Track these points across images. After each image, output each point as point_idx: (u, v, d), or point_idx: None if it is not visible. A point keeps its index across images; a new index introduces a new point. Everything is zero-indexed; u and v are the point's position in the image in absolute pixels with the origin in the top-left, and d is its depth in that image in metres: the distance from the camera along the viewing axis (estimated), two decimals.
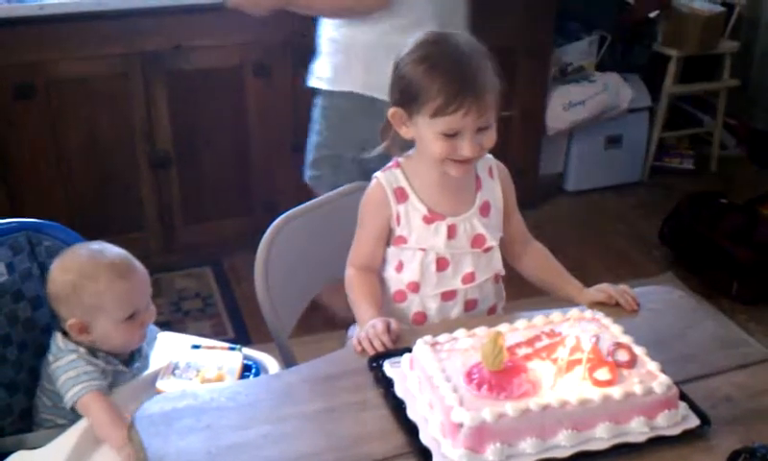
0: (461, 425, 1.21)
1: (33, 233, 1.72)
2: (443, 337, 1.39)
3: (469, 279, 1.67)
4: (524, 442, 1.23)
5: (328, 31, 2.41)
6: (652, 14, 4.02)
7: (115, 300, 1.61)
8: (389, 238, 1.67)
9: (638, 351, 1.37)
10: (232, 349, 1.72)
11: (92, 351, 1.64)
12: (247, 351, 1.73)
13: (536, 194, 3.83)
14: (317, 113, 2.52)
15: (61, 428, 1.58)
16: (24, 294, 1.69)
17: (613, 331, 1.42)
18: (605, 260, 3.51)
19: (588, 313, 1.49)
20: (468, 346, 1.37)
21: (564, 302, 1.69)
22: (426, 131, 1.55)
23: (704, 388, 1.40)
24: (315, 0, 2.41)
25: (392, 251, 1.68)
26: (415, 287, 1.67)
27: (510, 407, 1.22)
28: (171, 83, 3.06)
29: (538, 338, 1.39)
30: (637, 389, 1.28)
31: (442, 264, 1.66)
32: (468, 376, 1.30)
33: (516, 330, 1.42)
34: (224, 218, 3.35)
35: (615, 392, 1.27)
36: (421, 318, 1.69)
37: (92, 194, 3.11)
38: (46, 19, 2.82)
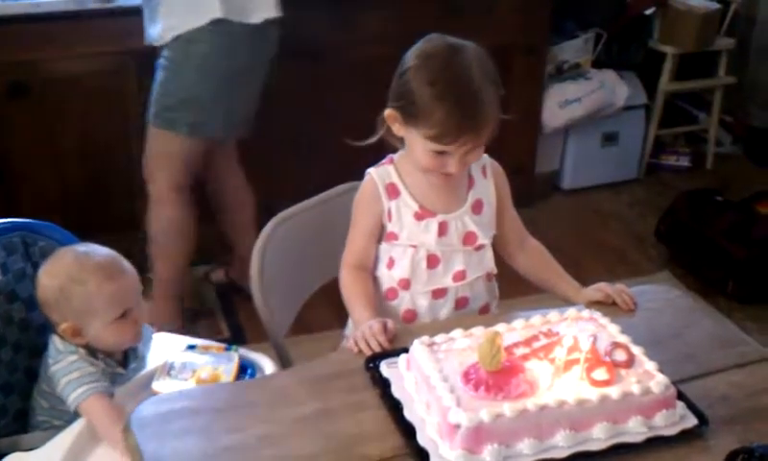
0: (458, 426, 1.20)
1: (27, 234, 1.71)
2: (440, 337, 1.39)
3: (460, 276, 1.67)
4: (522, 442, 1.23)
5: None
6: (648, 11, 4.02)
7: (105, 301, 1.60)
8: (380, 235, 1.68)
9: (636, 350, 1.36)
10: (228, 349, 1.72)
11: (92, 352, 1.63)
12: (243, 351, 1.73)
13: (532, 192, 3.83)
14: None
15: (57, 430, 1.57)
16: (18, 295, 1.68)
17: (611, 331, 1.42)
18: (601, 258, 3.51)
19: (586, 313, 1.48)
20: (465, 346, 1.36)
21: (561, 301, 1.69)
22: (417, 143, 1.56)
23: (701, 387, 1.40)
24: None
25: (383, 247, 1.68)
26: (405, 284, 1.67)
27: (507, 408, 1.22)
28: None
29: (535, 338, 1.39)
30: (635, 389, 1.27)
31: (432, 261, 1.66)
32: (466, 376, 1.29)
33: (514, 330, 1.41)
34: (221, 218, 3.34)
35: (613, 392, 1.26)
36: (412, 316, 1.69)
37: (87, 193, 3.10)
38: (41, 17, 2.81)
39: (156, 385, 1.62)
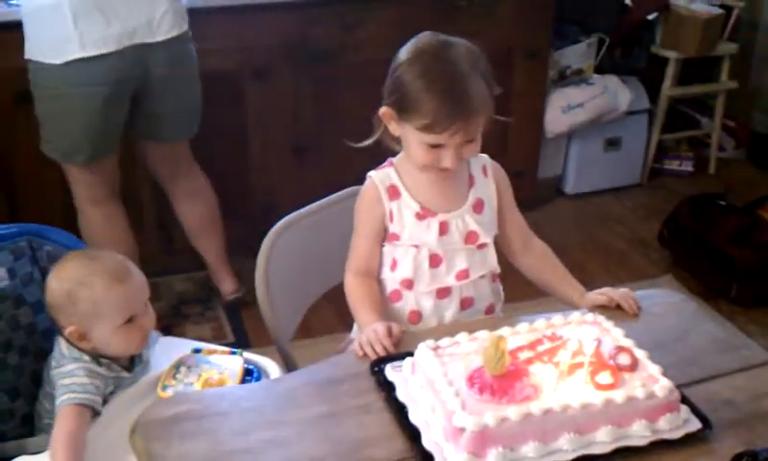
0: (463, 430, 1.21)
1: (34, 238, 1.72)
2: (444, 341, 1.39)
3: (463, 275, 1.68)
4: (526, 446, 1.23)
5: None
6: (650, 17, 4.02)
7: (111, 305, 1.61)
8: (383, 237, 1.69)
9: (640, 354, 1.37)
10: (233, 353, 1.72)
11: (96, 359, 1.63)
12: (248, 355, 1.73)
13: (535, 196, 3.83)
14: None
15: None
16: (25, 299, 1.69)
17: (615, 335, 1.43)
18: (604, 263, 3.51)
19: (590, 316, 1.49)
20: (469, 350, 1.37)
21: (565, 304, 1.70)
22: (412, 137, 1.58)
23: (705, 391, 1.41)
24: None
25: (386, 250, 1.70)
26: (409, 284, 1.68)
27: (512, 411, 1.22)
28: None
29: (539, 342, 1.40)
30: (639, 393, 1.28)
31: (435, 261, 1.67)
32: (470, 380, 1.30)
33: (518, 334, 1.42)
34: (223, 221, 3.34)
35: (617, 395, 1.27)
36: (417, 317, 1.70)
37: None
38: None
39: (161, 389, 1.62)
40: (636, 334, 1.43)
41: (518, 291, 1.88)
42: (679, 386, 1.32)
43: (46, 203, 3.00)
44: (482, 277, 1.71)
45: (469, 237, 1.68)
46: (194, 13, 3.00)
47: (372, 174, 1.70)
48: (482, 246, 1.69)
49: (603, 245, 3.70)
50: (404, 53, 1.59)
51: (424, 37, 1.61)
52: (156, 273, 3.22)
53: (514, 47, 3.56)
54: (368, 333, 1.50)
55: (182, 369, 1.66)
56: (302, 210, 1.88)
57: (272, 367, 1.71)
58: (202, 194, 2.96)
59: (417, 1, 3.24)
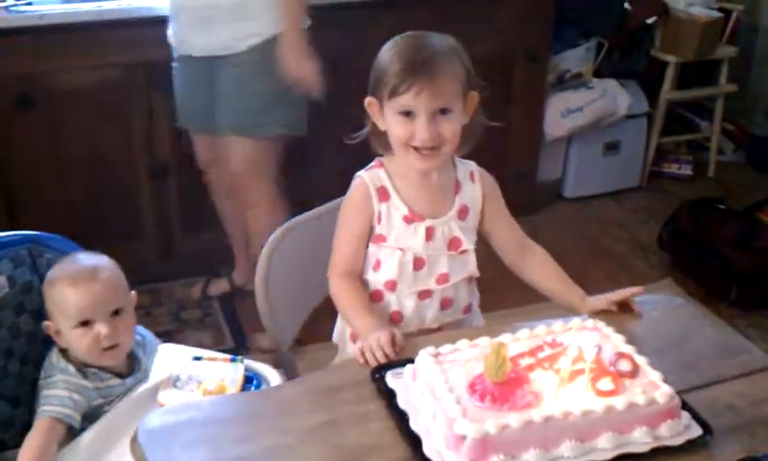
0: (464, 437, 1.21)
1: (34, 246, 1.72)
2: (445, 348, 1.39)
3: (444, 279, 1.70)
4: (527, 453, 1.23)
5: None
6: (649, 20, 4.03)
7: (66, 305, 1.62)
8: (369, 238, 1.69)
9: (640, 360, 1.37)
10: (234, 360, 1.72)
11: (81, 370, 1.63)
12: (248, 362, 1.73)
13: (534, 200, 3.84)
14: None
15: (64, 441, 1.58)
16: (26, 307, 1.69)
17: (615, 341, 1.42)
18: (603, 266, 3.51)
19: (590, 322, 1.49)
20: (470, 357, 1.37)
21: (566, 310, 1.70)
22: (389, 115, 1.61)
23: (705, 397, 1.40)
24: None
25: (370, 250, 1.70)
26: (392, 286, 1.69)
27: (513, 419, 1.22)
28: (171, 92, 3.06)
29: (540, 348, 1.39)
30: (640, 399, 1.28)
31: (418, 264, 1.68)
32: (471, 387, 1.30)
33: (519, 341, 1.42)
34: (223, 227, 3.34)
35: (618, 402, 1.27)
36: (398, 317, 1.71)
37: (91, 204, 3.10)
38: (46, 29, 2.82)
39: (161, 397, 1.62)
40: (636, 340, 1.43)
41: (518, 297, 1.88)
42: (679, 392, 1.32)
43: (46, 207, 3.00)
44: (461, 280, 1.72)
45: (452, 243, 1.69)
46: None
47: (361, 173, 1.70)
48: (463, 252, 1.71)
49: (602, 249, 3.71)
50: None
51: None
52: (155, 279, 3.24)
53: (513, 51, 3.56)
54: (370, 340, 1.50)
55: (183, 377, 1.66)
56: (303, 216, 1.88)
57: (271, 374, 1.71)
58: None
59: (417, 6, 3.23)
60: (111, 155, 3.08)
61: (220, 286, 3.25)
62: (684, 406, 1.33)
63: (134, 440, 1.32)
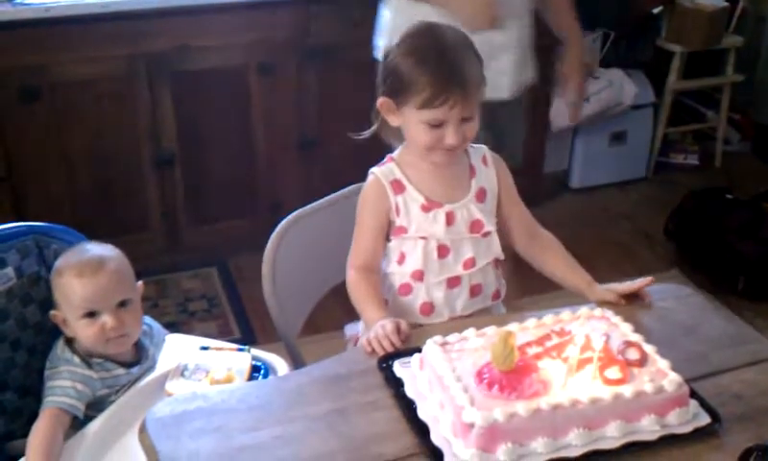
0: (472, 425, 1.21)
1: (41, 237, 1.72)
2: (453, 337, 1.39)
3: (470, 264, 1.69)
4: (535, 441, 1.23)
5: None
6: (655, 10, 4.01)
7: (72, 296, 1.62)
8: (388, 232, 1.69)
9: (648, 349, 1.37)
10: (241, 350, 1.72)
11: (87, 362, 1.64)
12: (255, 351, 1.73)
13: (540, 191, 3.83)
14: None
15: (72, 431, 1.58)
16: (33, 298, 1.69)
17: (623, 330, 1.43)
18: (610, 257, 3.51)
19: (598, 311, 1.49)
20: (478, 345, 1.37)
21: (573, 295, 1.70)
22: (413, 121, 1.60)
23: (714, 385, 1.40)
24: None
25: (393, 244, 1.70)
26: (419, 275, 1.68)
27: (521, 407, 1.22)
28: (176, 83, 3.06)
29: (548, 337, 1.40)
30: (648, 387, 1.28)
31: (443, 251, 1.68)
32: (479, 375, 1.30)
33: (527, 329, 1.42)
34: (229, 218, 3.35)
35: (626, 390, 1.27)
36: (429, 308, 1.70)
37: (97, 195, 3.11)
38: (51, 21, 2.82)
39: (169, 386, 1.62)
40: (644, 329, 1.43)
41: (535, 284, 1.87)
42: (688, 380, 1.32)
43: (52, 200, 3.01)
44: (487, 263, 1.72)
45: (474, 226, 1.69)
46: (199, 10, 3.01)
47: (374, 170, 1.70)
48: (486, 234, 1.70)
49: (608, 239, 3.70)
50: (393, 42, 1.63)
51: (410, 25, 1.64)
52: (162, 270, 3.25)
53: None
54: (376, 330, 1.50)
55: (190, 366, 1.66)
56: (309, 206, 1.88)
57: (279, 364, 1.71)
58: None
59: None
60: (117, 146, 3.09)
61: None
62: (693, 395, 1.33)
63: (142, 429, 1.32)
